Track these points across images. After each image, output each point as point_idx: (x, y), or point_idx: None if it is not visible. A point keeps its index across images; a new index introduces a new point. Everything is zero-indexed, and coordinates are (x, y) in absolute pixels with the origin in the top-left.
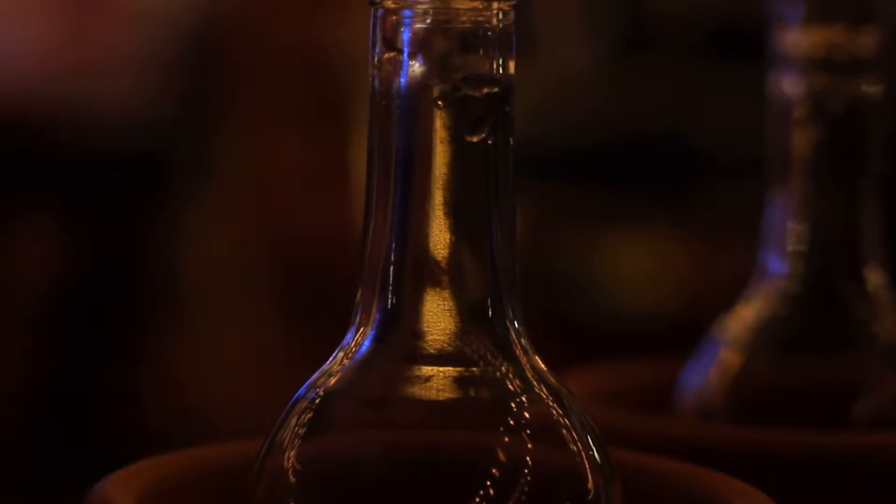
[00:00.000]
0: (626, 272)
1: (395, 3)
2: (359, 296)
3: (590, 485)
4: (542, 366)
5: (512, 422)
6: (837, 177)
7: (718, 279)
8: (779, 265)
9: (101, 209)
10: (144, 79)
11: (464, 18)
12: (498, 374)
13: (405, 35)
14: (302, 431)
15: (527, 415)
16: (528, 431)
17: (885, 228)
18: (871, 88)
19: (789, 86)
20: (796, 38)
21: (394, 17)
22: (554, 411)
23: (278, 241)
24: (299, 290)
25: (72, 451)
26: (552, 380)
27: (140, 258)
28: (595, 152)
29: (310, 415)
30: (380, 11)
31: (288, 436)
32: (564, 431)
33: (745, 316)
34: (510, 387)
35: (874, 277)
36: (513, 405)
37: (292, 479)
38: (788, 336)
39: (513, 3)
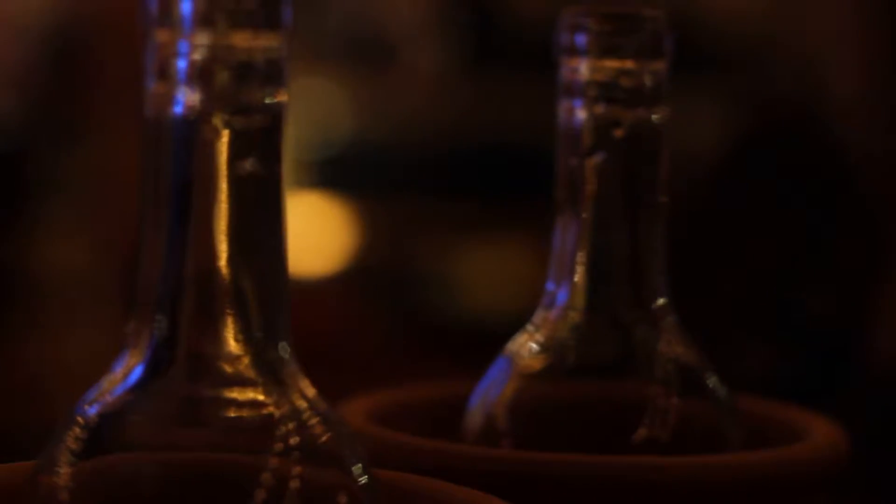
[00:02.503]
0: (485, 279)
1: (168, 36)
2: (132, 323)
3: None
4: (311, 389)
5: (280, 444)
6: (621, 205)
7: None
8: (562, 291)
9: None
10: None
11: (236, 51)
12: (267, 397)
13: (178, 66)
14: (75, 449)
15: (295, 438)
16: (296, 454)
17: (667, 256)
18: (656, 118)
19: (576, 113)
20: (584, 67)
21: (167, 49)
22: (320, 434)
23: (132, 244)
24: None
25: None
26: (319, 403)
27: None
28: (454, 161)
29: (82, 433)
30: (153, 42)
31: (61, 453)
32: (329, 453)
33: (529, 342)
34: (279, 410)
35: (656, 305)
36: (282, 428)
37: (64, 497)
38: (570, 362)
39: (282, 35)
